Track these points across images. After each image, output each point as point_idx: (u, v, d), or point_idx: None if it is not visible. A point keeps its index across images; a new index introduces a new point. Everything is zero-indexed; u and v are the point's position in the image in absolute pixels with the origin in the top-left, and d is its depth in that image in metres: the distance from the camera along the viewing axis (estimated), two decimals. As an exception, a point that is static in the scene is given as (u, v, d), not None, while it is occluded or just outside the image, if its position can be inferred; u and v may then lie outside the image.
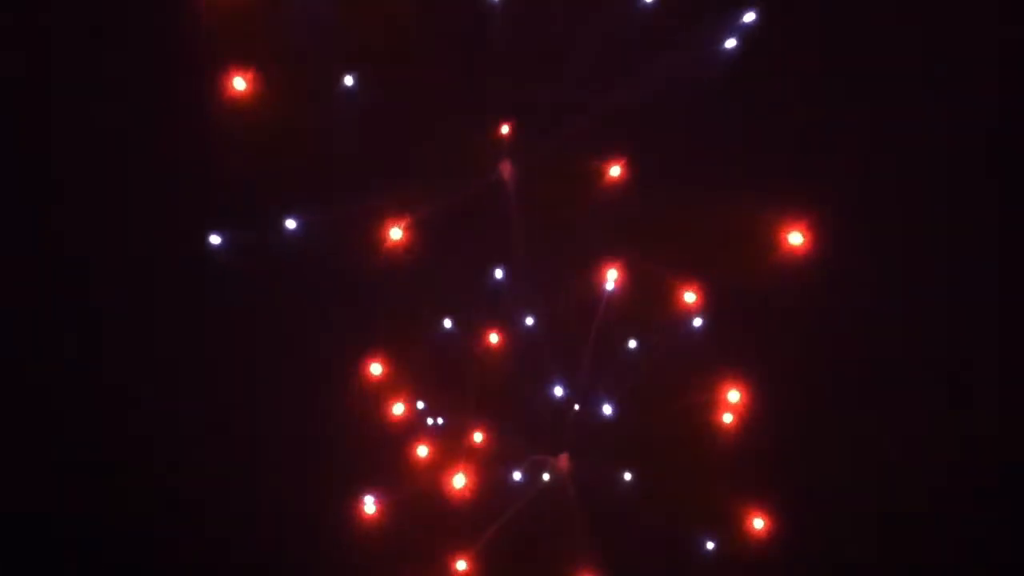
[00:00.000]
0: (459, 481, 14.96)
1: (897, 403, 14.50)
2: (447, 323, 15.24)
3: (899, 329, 14.45)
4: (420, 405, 15.29)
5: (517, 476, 15.22)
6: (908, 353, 14.47)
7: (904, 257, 14.41)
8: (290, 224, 14.78)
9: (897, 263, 14.42)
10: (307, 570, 15.16)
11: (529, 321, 15.23)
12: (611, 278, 14.89)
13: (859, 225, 14.32)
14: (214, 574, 15.23)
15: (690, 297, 14.73)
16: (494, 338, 15.32)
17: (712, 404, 14.80)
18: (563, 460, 15.27)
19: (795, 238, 14.20)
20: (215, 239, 14.73)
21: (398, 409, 15.21)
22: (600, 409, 15.19)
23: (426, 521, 15.07)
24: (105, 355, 15.15)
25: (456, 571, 15.05)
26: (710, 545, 14.78)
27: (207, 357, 15.16)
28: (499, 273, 15.19)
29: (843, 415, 14.58)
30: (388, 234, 14.81)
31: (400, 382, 15.24)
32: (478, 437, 15.25)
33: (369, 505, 15.08)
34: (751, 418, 14.62)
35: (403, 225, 14.81)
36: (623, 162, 14.60)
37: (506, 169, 14.95)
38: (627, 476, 15.10)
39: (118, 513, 15.10)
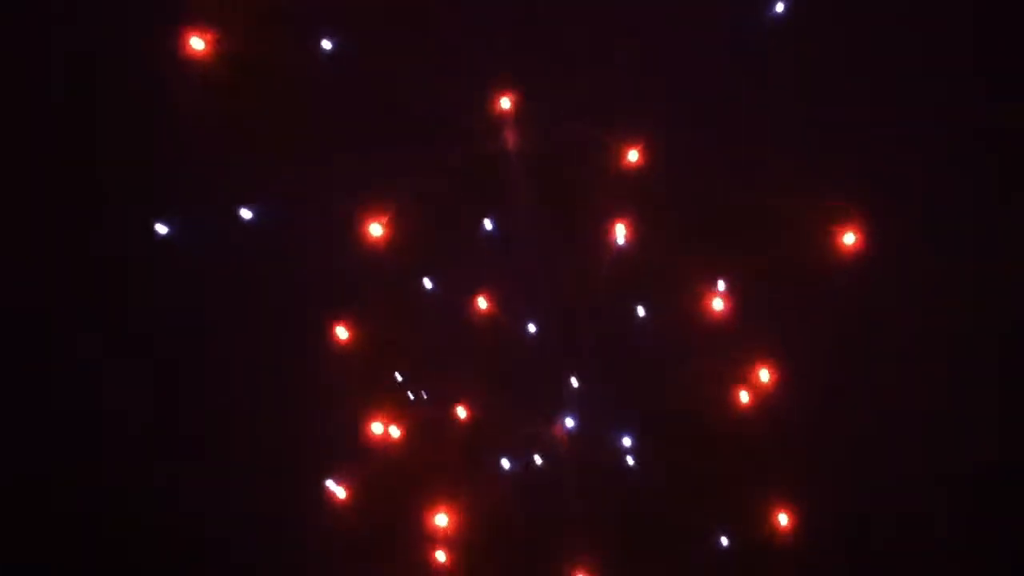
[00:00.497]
0: (442, 520, 13.94)
1: (913, 401, 13.56)
2: (430, 284, 14.26)
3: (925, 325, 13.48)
4: (399, 377, 14.32)
5: (507, 458, 14.15)
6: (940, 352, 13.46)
7: (938, 255, 13.33)
8: (253, 208, 13.85)
9: (933, 261, 13.34)
10: (272, 557, 14.30)
11: (525, 285, 14.22)
12: (620, 233, 13.73)
13: (895, 220, 13.24)
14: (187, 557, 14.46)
15: (713, 276, 13.69)
16: (483, 303, 14.26)
17: (729, 378, 13.75)
18: (560, 436, 14.17)
19: (846, 235, 13.13)
20: (163, 227, 13.81)
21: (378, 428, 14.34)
22: (603, 381, 14.16)
23: (405, 506, 14.13)
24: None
25: (436, 563, 14.03)
26: (722, 538, 13.80)
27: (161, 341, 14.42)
28: (489, 225, 14.18)
29: (862, 409, 13.62)
30: (369, 231, 13.81)
31: (381, 353, 14.32)
32: (462, 412, 14.20)
33: (336, 491, 14.11)
34: (772, 400, 13.62)
35: (384, 220, 13.82)
36: (640, 144, 13.43)
37: (510, 138, 13.88)
38: (629, 459, 14.09)
39: (118, 512, 14.43)
